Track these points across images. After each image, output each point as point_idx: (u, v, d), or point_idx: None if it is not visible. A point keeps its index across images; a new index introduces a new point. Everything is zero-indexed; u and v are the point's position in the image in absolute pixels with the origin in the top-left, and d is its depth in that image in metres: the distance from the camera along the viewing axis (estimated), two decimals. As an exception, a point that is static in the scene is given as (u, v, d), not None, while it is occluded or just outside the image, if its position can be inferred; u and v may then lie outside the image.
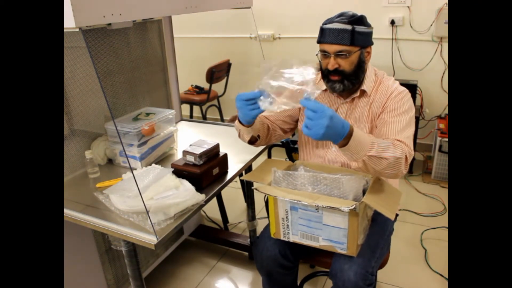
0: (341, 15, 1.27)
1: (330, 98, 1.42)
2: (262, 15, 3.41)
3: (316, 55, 1.33)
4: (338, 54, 1.26)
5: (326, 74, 1.31)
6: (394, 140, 1.19)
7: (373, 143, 1.11)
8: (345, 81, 1.30)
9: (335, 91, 1.33)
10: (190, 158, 1.36)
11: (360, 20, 1.26)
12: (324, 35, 1.27)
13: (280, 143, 2.29)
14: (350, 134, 1.08)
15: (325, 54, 1.28)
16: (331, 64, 1.27)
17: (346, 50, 1.25)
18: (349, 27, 1.24)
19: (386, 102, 1.31)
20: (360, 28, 1.25)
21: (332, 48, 1.26)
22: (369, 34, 1.30)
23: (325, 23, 1.28)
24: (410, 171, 2.94)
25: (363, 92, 1.35)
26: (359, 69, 1.30)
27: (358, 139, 1.09)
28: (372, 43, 1.32)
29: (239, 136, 1.40)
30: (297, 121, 1.52)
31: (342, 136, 1.08)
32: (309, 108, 1.04)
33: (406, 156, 1.16)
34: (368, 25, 1.29)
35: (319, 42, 1.30)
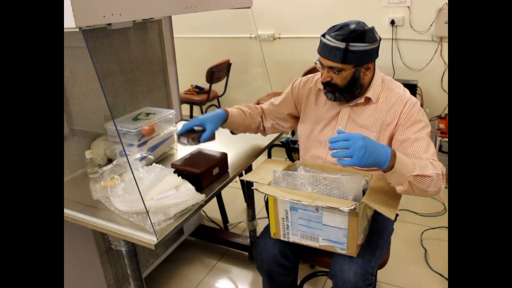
0: (341, 27, 1.22)
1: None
2: (262, 15, 3.40)
3: (315, 62, 1.32)
4: (331, 68, 1.26)
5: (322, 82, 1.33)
6: (426, 159, 1.17)
7: (414, 163, 1.09)
8: (337, 93, 1.31)
9: (328, 99, 1.36)
10: (184, 141, 1.37)
11: (359, 36, 1.20)
12: (320, 47, 1.27)
13: (280, 143, 2.29)
14: (393, 156, 1.06)
15: (321, 63, 1.29)
16: (324, 76, 1.29)
17: (338, 67, 1.24)
18: (342, 45, 1.19)
19: (401, 113, 1.28)
20: (356, 46, 1.20)
21: (325, 62, 1.26)
22: (368, 51, 1.22)
23: (324, 34, 1.26)
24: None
25: (369, 100, 1.33)
26: (353, 85, 1.29)
27: (402, 161, 1.07)
28: (373, 60, 1.27)
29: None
30: (294, 118, 1.53)
31: (387, 158, 1.05)
32: (341, 139, 1.04)
33: (442, 171, 1.13)
34: (372, 41, 1.22)
35: (318, 51, 1.29)
